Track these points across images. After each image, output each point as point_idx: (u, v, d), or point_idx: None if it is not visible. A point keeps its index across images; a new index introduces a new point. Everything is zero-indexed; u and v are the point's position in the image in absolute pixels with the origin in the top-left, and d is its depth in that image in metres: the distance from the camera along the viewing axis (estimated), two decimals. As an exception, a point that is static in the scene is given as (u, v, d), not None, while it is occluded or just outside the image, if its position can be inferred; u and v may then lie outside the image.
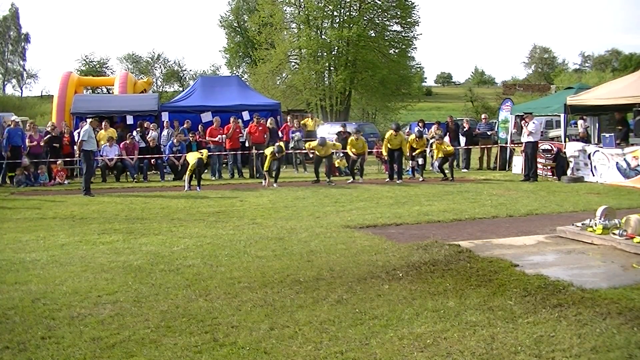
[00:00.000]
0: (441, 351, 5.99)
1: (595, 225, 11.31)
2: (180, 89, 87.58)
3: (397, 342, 6.23)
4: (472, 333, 6.44)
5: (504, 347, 6.03)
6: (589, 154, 22.16)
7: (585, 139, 25.72)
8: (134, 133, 27.70)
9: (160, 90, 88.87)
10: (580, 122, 29.70)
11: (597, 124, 27.50)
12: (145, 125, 28.79)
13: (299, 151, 29.24)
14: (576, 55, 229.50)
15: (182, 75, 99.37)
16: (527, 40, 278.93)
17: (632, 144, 21.09)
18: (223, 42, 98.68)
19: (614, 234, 10.97)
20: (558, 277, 8.67)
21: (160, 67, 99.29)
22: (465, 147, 29.35)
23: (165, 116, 30.06)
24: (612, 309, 7.08)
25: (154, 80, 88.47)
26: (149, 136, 27.59)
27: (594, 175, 21.88)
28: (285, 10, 62.05)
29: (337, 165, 27.08)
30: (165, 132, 28.23)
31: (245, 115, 30.18)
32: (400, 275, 8.87)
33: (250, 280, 8.75)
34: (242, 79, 55.12)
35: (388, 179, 23.57)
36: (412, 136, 25.09)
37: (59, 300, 7.94)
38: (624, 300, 7.42)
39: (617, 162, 20.99)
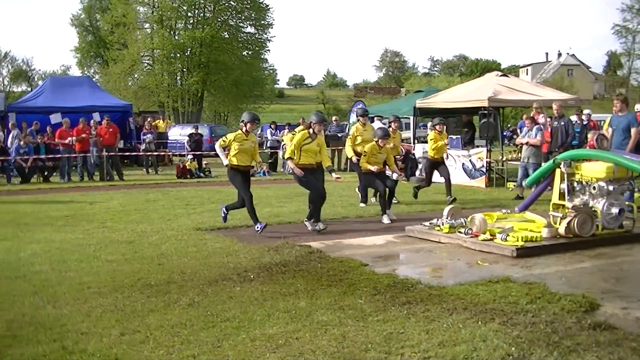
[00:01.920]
0: (293, 351, 6.00)
1: (442, 225, 11.63)
2: (29, 89, 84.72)
3: (250, 344, 6.21)
4: (324, 332, 6.48)
5: (355, 345, 6.10)
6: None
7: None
8: (-21, 134, 26.59)
9: (7, 90, 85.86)
10: (429, 124, 30.47)
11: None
12: (-9, 127, 27.73)
13: (149, 153, 28.85)
14: (426, 59, 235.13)
15: (30, 75, 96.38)
16: (379, 44, 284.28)
17: (477, 146, 21.86)
18: (74, 42, 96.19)
19: (460, 232, 11.31)
20: (407, 275, 8.85)
21: (7, 66, 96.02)
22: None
23: (12, 117, 28.97)
24: (458, 305, 7.27)
25: (0, 79, 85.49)
26: (-6, 138, 26.57)
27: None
28: (139, 10, 61.12)
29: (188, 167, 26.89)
30: (12, 134, 27.25)
31: (96, 116, 29.46)
32: (252, 276, 8.85)
33: (100, 286, 8.54)
34: (94, 79, 53.91)
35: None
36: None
37: None
38: (469, 296, 7.64)
39: (463, 163, 21.67)
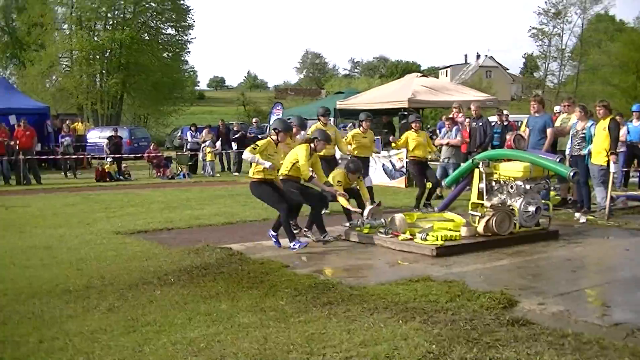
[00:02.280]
0: (215, 354, 5.96)
1: (363, 225, 11.68)
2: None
3: (171, 348, 6.15)
4: (245, 335, 6.45)
5: (277, 347, 6.08)
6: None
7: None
8: None
9: None
10: (349, 125, 30.59)
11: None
12: None
13: (68, 156, 28.39)
14: (346, 61, 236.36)
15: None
16: (300, 46, 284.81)
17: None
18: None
19: (380, 232, 11.39)
20: (328, 276, 8.90)
21: None
22: (237, 151, 29.57)
23: None
24: (379, 304, 7.32)
25: None
26: None
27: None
28: (57, 10, 60.26)
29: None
30: None
31: (12, 119, 28.82)
32: (172, 280, 8.76)
33: (17, 292, 8.33)
34: (10, 81, 52.72)
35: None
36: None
37: None
38: (390, 295, 7.69)
39: (383, 164, 21.84)
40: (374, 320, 6.73)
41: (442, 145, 18.30)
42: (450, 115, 19.48)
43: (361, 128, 15.69)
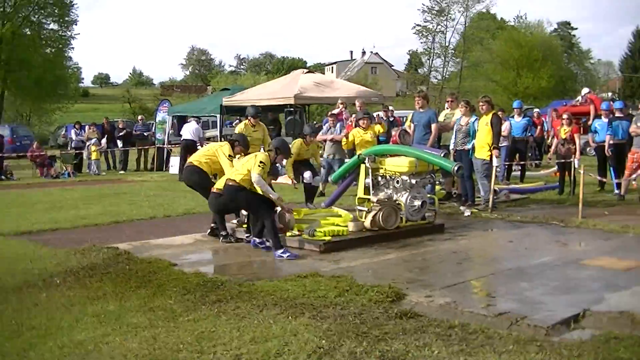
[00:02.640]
0: (104, 356, 5.86)
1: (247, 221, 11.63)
2: None
3: (58, 352, 6.01)
4: (134, 335, 6.36)
5: (167, 347, 6.02)
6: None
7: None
8: None
9: None
10: (236, 122, 30.56)
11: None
12: None
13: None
14: (232, 57, 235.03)
15: None
16: (185, 42, 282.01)
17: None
18: None
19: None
20: (216, 274, 8.86)
21: None
22: (123, 149, 29.14)
23: None
24: (269, 301, 7.31)
25: None
26: None
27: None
28: None
29: None
30: None
31: None
32: (58, 282, 8.55)
33: None
34: None
35: None
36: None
37: None
38: (279, 292, 7.69)
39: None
40: (263, 317, 6.73)
41: (325, 141, 18.17)
42: (335, 111, 19.48)
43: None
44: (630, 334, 6.10)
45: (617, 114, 17.02)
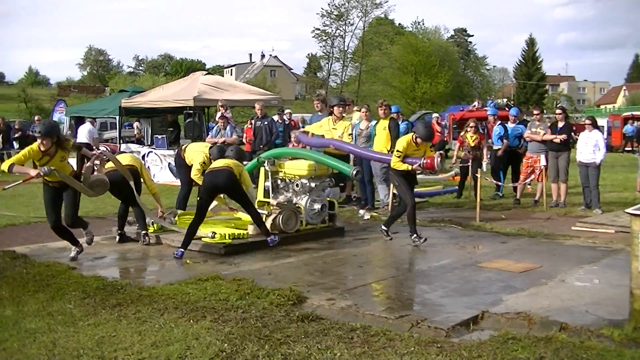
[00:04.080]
0: (0, 363, 5.75)
1: (153, 224, 11.53)
2: None
3: (-50, 360, 5.86)
4: (33, 340, 6.24)
5: (67, 352, 5.93)
6: (143, 155, 22.51)
7: (140, 141, 26.27)
8: None
9: None
10: (135, 124, 30.23)
11: (150, 126, 28.34)
12: None
13: None
14: (131, 58, 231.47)
15: None
16: (83, 42, 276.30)
17: (182, 145, 21.92)
18: None
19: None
20: (116, 277, 8.76)
21: None
22: (18, 150, 28.46)
23: None
24: (170, 304, 7.27)
25: None
26: None
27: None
28: None
29: None
30: None
31: None
32: (-50, 287, 8.32)
33: None
34: None
35: None
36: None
37: None
38: (180, 295, 7.66)
39: (169, 163, 21.62)
40: (164, 321, 6.69)
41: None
42: (218, 114, 19.13)
43: None
44: (527, 334, 6.31)
45: (512, 120, 17.52)
